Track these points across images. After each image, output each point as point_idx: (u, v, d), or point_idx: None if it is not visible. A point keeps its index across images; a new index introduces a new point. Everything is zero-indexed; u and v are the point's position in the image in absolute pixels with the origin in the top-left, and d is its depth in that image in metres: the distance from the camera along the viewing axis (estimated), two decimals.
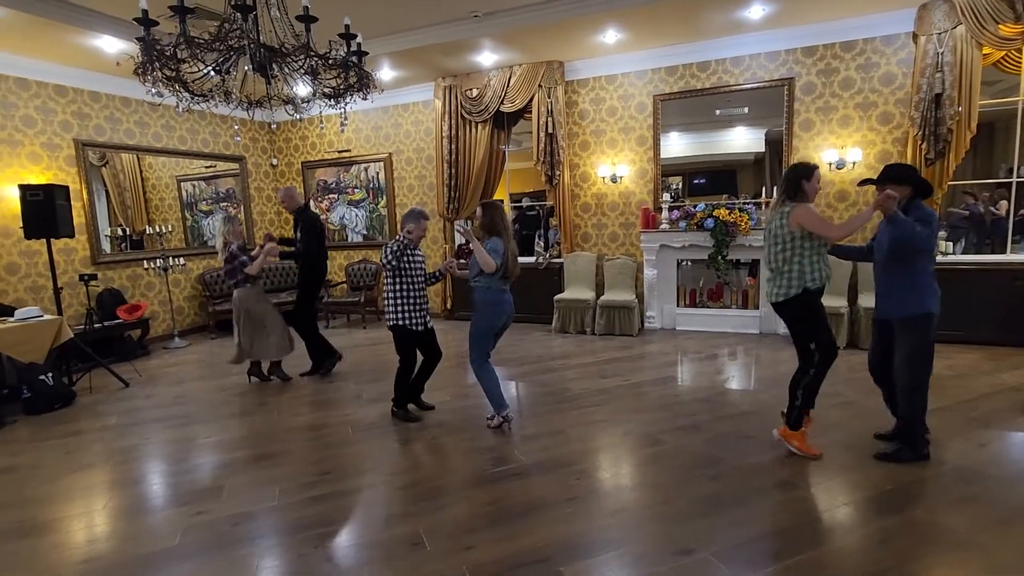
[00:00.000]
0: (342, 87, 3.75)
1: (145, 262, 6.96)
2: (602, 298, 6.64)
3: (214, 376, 5.57)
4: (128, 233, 7.04)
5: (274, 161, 8.98)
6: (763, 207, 6.25)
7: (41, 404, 4.60)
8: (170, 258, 7.03)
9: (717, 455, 3.30)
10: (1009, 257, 5.49)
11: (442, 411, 4.25)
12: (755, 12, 5.46)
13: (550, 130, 6.81)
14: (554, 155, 6.88)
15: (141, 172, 7.24)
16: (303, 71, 3.47)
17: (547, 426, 3.87)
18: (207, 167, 8.03)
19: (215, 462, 3.55)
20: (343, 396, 4.77)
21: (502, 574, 2.28)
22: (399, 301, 3.88)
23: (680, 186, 7.01)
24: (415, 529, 2.64)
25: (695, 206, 6.36)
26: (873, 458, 3.14)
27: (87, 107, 6.48)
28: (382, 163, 8.32)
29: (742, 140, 6.70)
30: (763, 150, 6.57)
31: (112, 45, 5.49)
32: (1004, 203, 5.80)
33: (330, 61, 3.55)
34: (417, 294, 3.92)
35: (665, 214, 6.55)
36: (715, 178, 6.91)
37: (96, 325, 5.87)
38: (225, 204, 8.26)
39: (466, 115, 7.27)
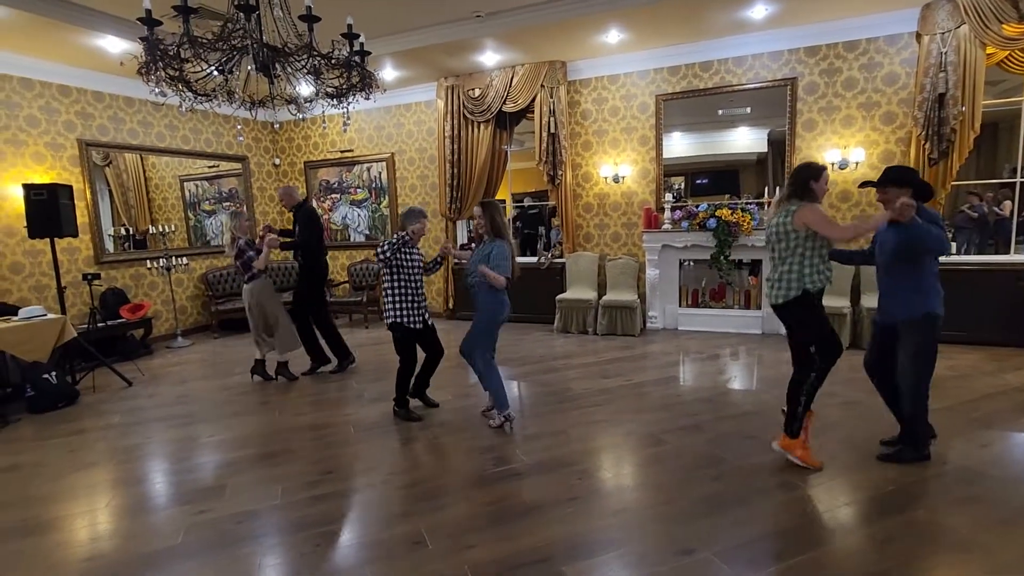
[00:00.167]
0: (345, 87, 3.76)
1: (148, 262, 6.98)
2: (604, 298, 6.64)
3: (217, 375, 5.59)
4: (131, 233, 7.06)
5: (277, 161, 9.00)
6: (765, 207, 6.24)
7: (45, 403, 4.62)
8: (173, 258, 7.05)
9: (719, 455, 3.30)
10: (1013, 257, 5.48)
11: (443, 411, 4.26)
12: (758, 12, 5.46)
13: (552, 130, 6.81)
14: (556, 155, 6.88)
15: (144, 172, 7.26)
16: (306, 71, 3.48)
17: (549, 426, 3.88)
18: (210, 167, 8.04)
19: (218, 461, 3.56)
20: (345, 395, 4.78)
21: (503, 574, 2.29)
22: (397, 298, 3.90)
23: (682, 186, 7.01)
24: (416, 528, 2.64)
25: (697, 206, 6.36)
26: (875, 459, 3.13)
27: (91, 107, 6.50)
28: (384, 163, 8.33)
29: (745, 140, 6.69)
30: (766, 150, 6.56)
31: (116, 45, 5.51)
32: (1008, 203, 5.79)
33: (333, 61, 3.55)
34: (415, 292, 3.94)
35: (667, 214, 6.55)
36: (717, 178, 6.90)
37: (99, 324, 5.89)
38: (228, 204, 8.28)
39: (468, 115, 7.27)
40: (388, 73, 7.05)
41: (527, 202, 8.39)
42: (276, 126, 8.77)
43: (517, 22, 5.67)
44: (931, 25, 5.22)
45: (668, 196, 6.77)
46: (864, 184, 3.20)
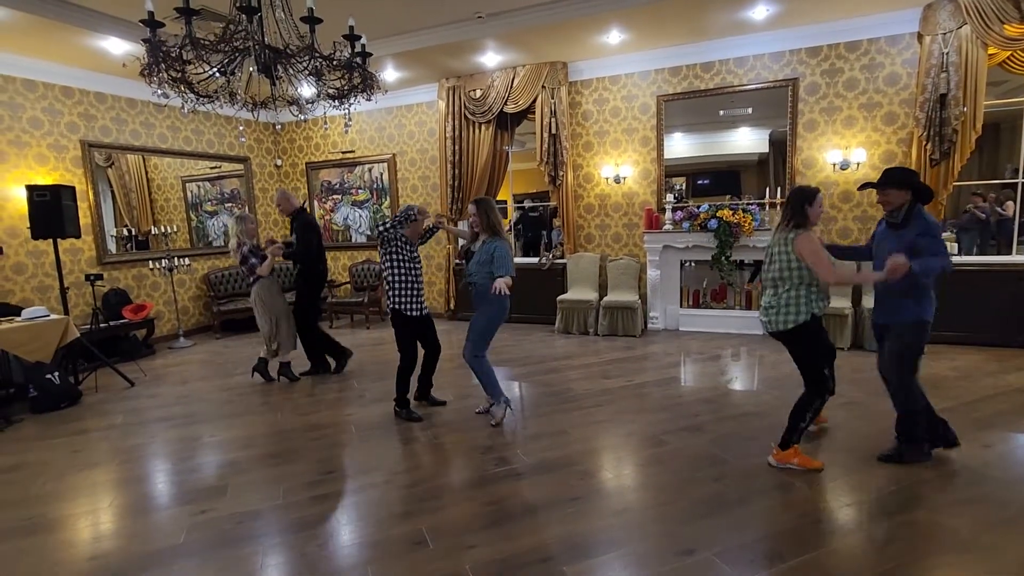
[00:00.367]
0: (346, 88, 3.77)
1: (150, 262, 7.00)
2: (605, 299, 6.64)
3: (219, 376, 5.60)
4: (133, 233, 7.08)
5: (278, 162, 9.01)
6: (767, 208, 6.24)
7: (47, 403, 4.63)
8: (175, 258, 7.07)
9: (720, 456, 3.30)
10: (1015, 258, 5.46)
11: (444, 411, 4.27)
12: (759, 12, 5.46)
13: (553, 131, 6.82)
14: (557, 156, 6.88)
15: (146, 173, 7.28)
16: (307, 72, 3.49)
17: (550, 426, 3.88)
18: (212, 168, 8.07)
19: (220, 461, 3.58)
20: (346, 396, 4.79)
21: (504, 574, 2.29)
22: (396, 286, 3.96)
23: (684, 187, 7.00)
24: (418, 528, 2.65)
25: (699, 207, 6.35)
26: (876, 459, 3.13)
27: (93, 108, 6.52)
28: (386, 164, 8.35)
29: (746, 141, 6.69)
30: (767, 151, 6.56)
31: (118, 47, 5.53)
32: (1010, 204, 5.77)
33: (334, 62, 3.57)
34: (414, 282, 4.01)
35: (669, 215, 6.55)
36: (719, 179, 6.89)
37: (102, 325, 5.90)
38: (230, 205, 8.30)
39: (469, 116, 7.28)
40: (389, 74, 7.06)
41: (528, 204, 8.37)
42: (278, 127, 8.72)
43: (518, 23, 5.68)
44: (933, 25, 5.22)
45: (669, 197, 6.77)
46: (864, 186, 3.20)
